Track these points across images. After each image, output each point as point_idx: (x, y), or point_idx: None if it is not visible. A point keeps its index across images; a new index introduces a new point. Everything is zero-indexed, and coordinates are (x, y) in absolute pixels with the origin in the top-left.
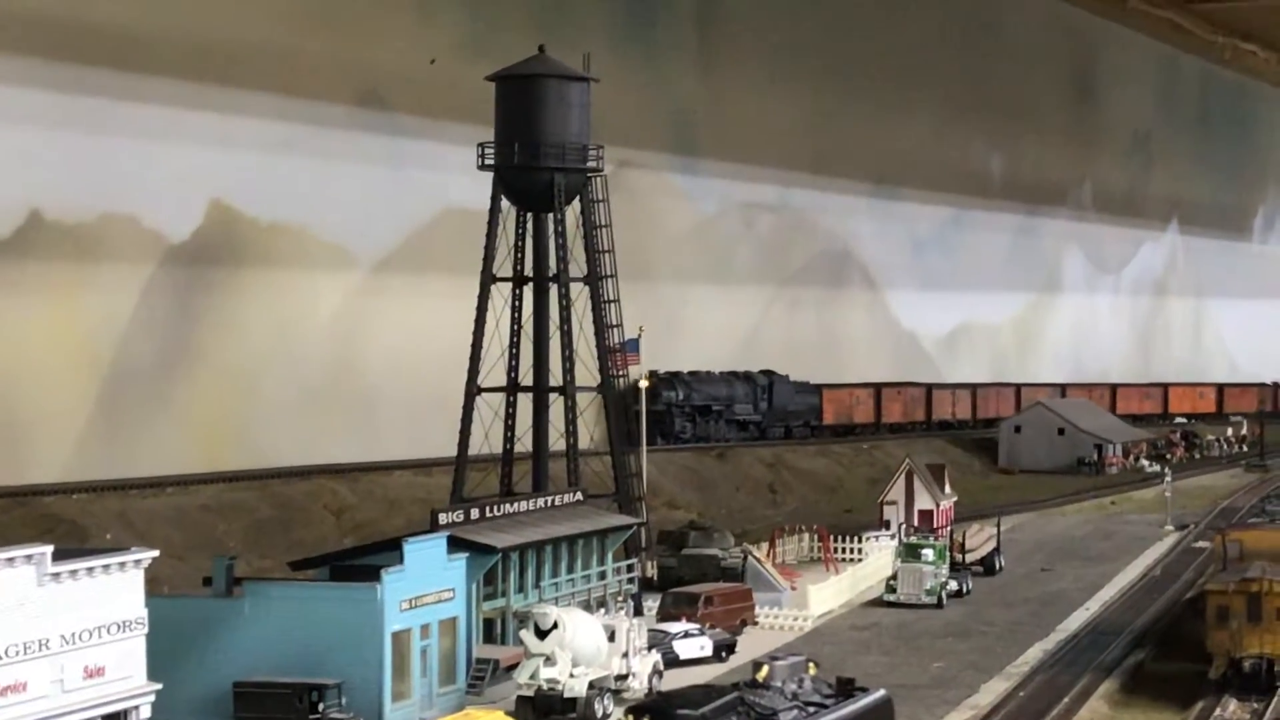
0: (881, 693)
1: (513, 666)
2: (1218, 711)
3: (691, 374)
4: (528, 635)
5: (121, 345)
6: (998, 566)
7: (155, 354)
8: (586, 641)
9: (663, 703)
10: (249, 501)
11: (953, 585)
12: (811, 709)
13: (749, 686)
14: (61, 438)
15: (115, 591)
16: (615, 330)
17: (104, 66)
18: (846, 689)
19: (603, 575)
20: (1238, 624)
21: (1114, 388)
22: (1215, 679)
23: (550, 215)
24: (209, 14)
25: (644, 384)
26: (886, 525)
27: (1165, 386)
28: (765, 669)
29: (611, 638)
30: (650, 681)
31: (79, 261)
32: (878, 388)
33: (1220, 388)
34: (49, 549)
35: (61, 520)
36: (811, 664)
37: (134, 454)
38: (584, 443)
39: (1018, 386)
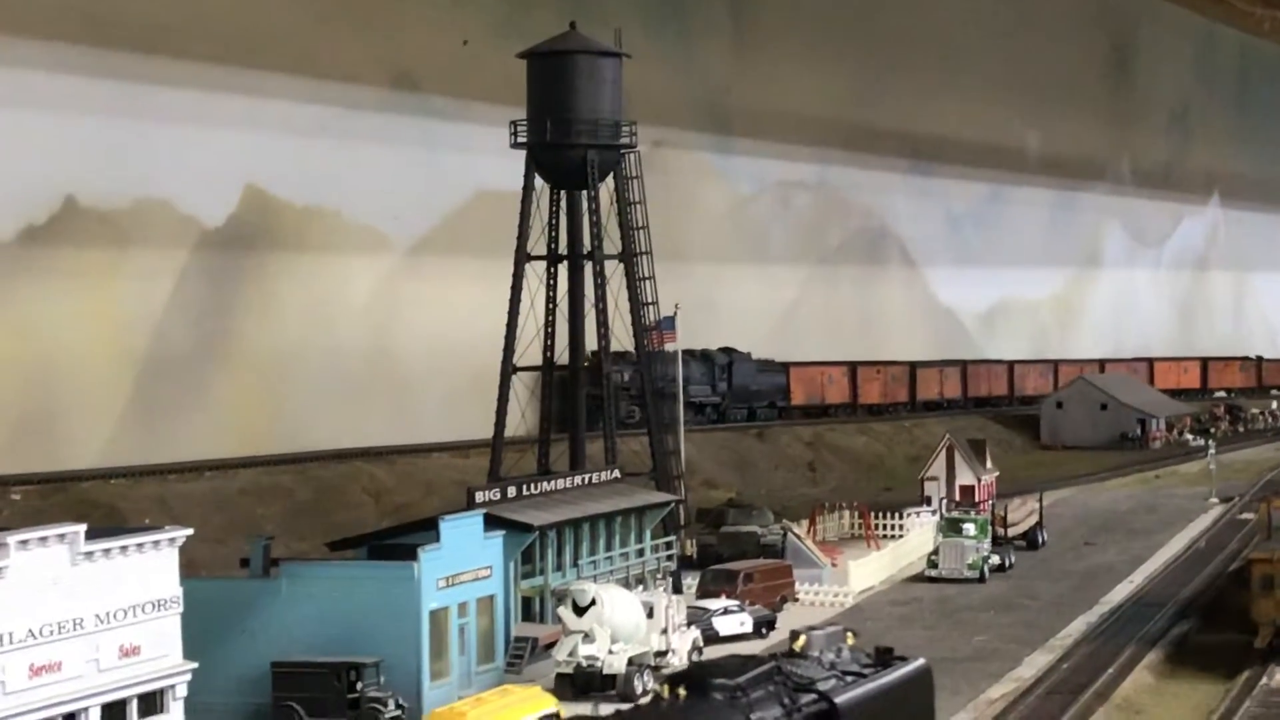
0: (921, 661)
1: (551, 644)
2: (1264, 681)
3: (619, 351)
4: (566, 612)
5: (157, 330)
6: (1040, 541)
7: (191, 338)
8: (625, 618)
9: (699, 672)
10: (286, 485)
11: (995, 560)
12: (850, 678)
13: (786, 656)
14: (99, 423)
15: (149, 570)
16: (651, 308)
17: (136, 52)
18: (885, 658)
19: (641, 553)
20: None
21: (1150, 362)
22: (1261, 648)
23: (584, 193)
24: None
25: (585, 364)
26: (928, 501)
27: (1204, 360)
28: (803, 638)
29: (650, 614)
30: (690, 658)
31: (114, 247)
32: (853, 366)
33: (1259, 361)
34: (82, 528)
35: (99, 505)
36: (850, 633)
37: (171, 439)
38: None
39: (1010, 364)
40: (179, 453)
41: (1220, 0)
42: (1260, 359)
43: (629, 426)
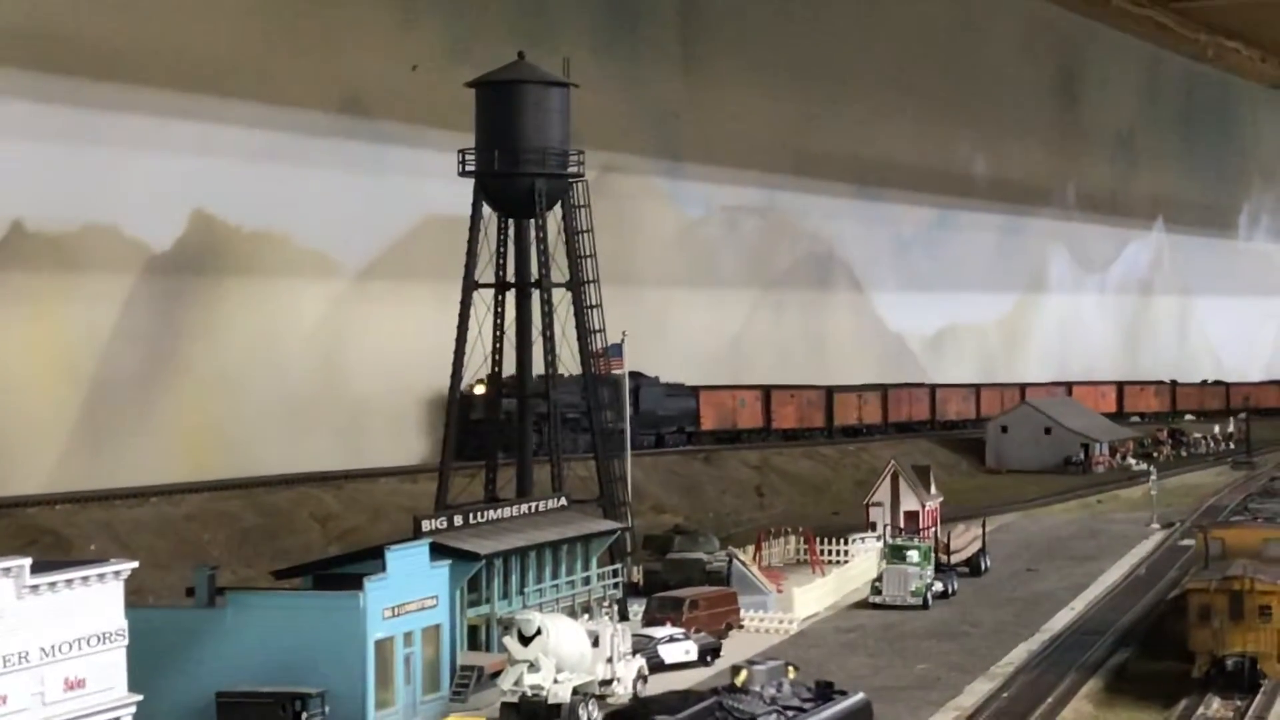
0: (860, 696)
1: (497, 673)
2: (1201, 710)
3: (539, 378)
4: (511, 642)
5: (104, 355)
6: (983, 567)
7: (138, 363)
8: (570, 647)
9: (641, 709)
10: (234, 510)
11: (938, 586)
12: (790, 713)
13: (728, 691)
14: (44, 448)
15: (95, 603)
16: (598, 335)
17: (84, 77)
18: (826, 692)
19: (587, 580)
20: (1220, 622)
21: (1069, 386)
22: (1198, 677)
23: (532, 221)
24: (189, 23)
25: (479, 389)
26: (872, 527)
27: (1120, 384)
28: (744, 673)
29: (596, 643)
30: (635, 687)
31: (61, 272)
32: (767, 389)
33: (1174, 385)
34: (27, 561)
35: (45, 531)
36: (791, 668)
37: (118, 464)
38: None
39: (932, 388)
40: (126, 478)
41: (1165, 26)
42: (1174, 383)
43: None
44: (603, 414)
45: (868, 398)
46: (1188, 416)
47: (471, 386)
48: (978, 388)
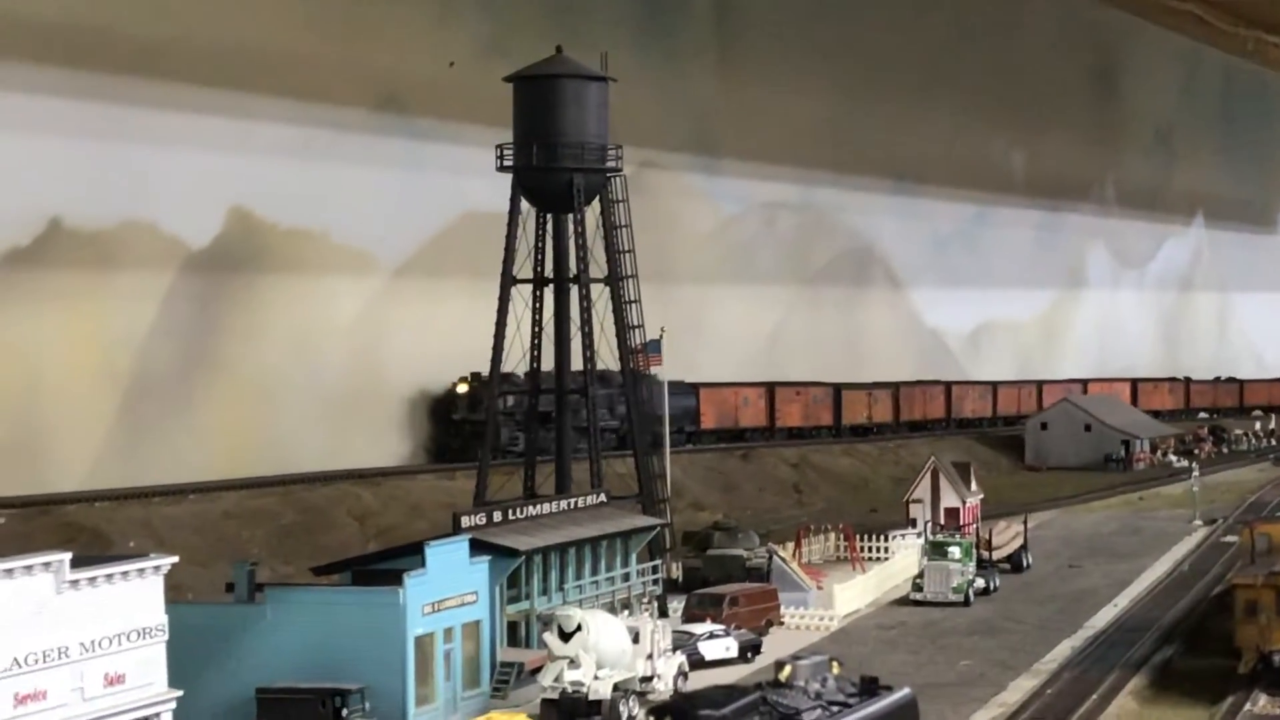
0: (906, 691)
1: (537, 670)
2: (1247, 707)
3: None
4: (551, 638)
5: (142, 352)
6: (1025, 564)
7: (176, 361)
8: (611, 644)
9: (684, 703)
10: (272, 508)
11: (980, 583)
12: (835, 708)
13: (771, 686)
14: (83, 446)
15: (135, 598)
16: (637, 331)
17: (122, 73)
18: (870, 688)
19: (626, 577)
20: (1266, 618)
21: (1084, 383)
22: (1244, 674)
23: (570, 216)
24: (226, 20)
25: (462, 388)
26: (913, 523)
27: (1133, 381)
28: (788, 668)
29: (636, 640)
30: (675, 683)
31: (98, 269)
32: (771, 386)
33: (1188, 382)
34: (67, 556)
35: (84, 529)
36: (835, 663)
37: (156, 462)
38: None
39: (947, 385)
40: (164, 475)
41: (1204, 21)
42: (1188, 380)
43: (510, 454)
44: (640, 410)
45: (878, 396)
46: (1201, 414)
47: (454, 385)
48: (994, 385)
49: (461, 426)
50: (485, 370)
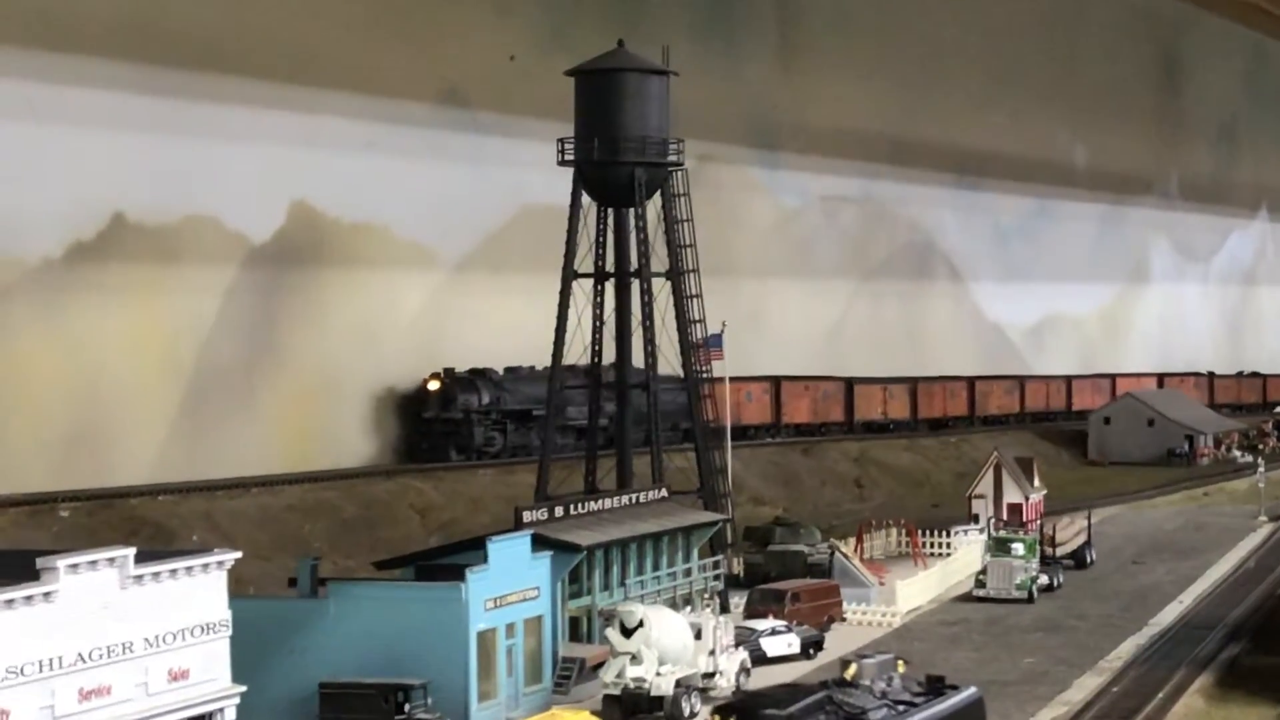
0: (972, 690)
1: (599, 665)
2: None
3: (509, 370)
4: (613, 633)
5: (205, 346)
6: (1089, 560)
7: (239, 355)
8: (673, 639)
9: (749, 702)
10: (333, 501)
11: (1043, 579)
12: (901, 707)
13: (837, 685)
14: (147, 440)
15: (198, 593)
16: (698, 326)
17: (184, 68)
18: (936, 687)
19: (688, 572)
20: None
21: (1113, 378)
22: None
23: (631, 210)
24: (289, 14)
25: (433, 385)
26: (975, 519)
27: (1159, 376)
28: (853, 667)
29: (698, 635)
30: (737, 679)
31: (162, 263)
32: (777, 381)
33: (1211, 376)
34: (131, 551)
35: (147, 522)
36: (901, 661)
37: (219, 455)
38: None
39: (970, 380)
40: (226, 469)
41: (1268, 13)
42: (1212, 375)
43: (491, 456)
44: (703, 405)
45: (894, 391)
46: (1223, 409)
47: (425, 382)
48: (1021, 379)
49: (432, 425)
50: (548, 359)
